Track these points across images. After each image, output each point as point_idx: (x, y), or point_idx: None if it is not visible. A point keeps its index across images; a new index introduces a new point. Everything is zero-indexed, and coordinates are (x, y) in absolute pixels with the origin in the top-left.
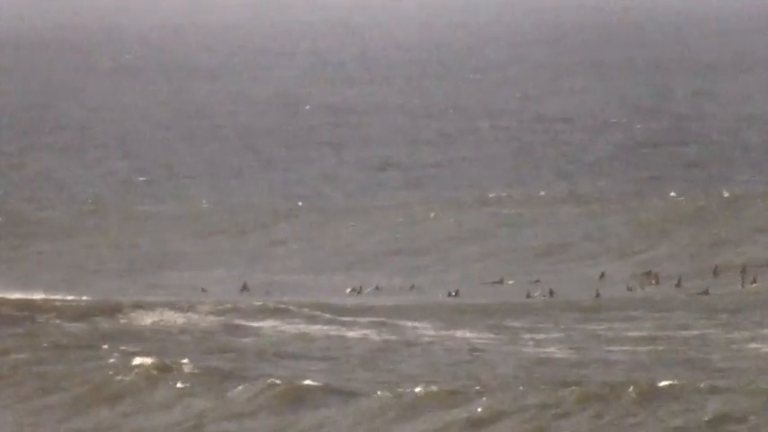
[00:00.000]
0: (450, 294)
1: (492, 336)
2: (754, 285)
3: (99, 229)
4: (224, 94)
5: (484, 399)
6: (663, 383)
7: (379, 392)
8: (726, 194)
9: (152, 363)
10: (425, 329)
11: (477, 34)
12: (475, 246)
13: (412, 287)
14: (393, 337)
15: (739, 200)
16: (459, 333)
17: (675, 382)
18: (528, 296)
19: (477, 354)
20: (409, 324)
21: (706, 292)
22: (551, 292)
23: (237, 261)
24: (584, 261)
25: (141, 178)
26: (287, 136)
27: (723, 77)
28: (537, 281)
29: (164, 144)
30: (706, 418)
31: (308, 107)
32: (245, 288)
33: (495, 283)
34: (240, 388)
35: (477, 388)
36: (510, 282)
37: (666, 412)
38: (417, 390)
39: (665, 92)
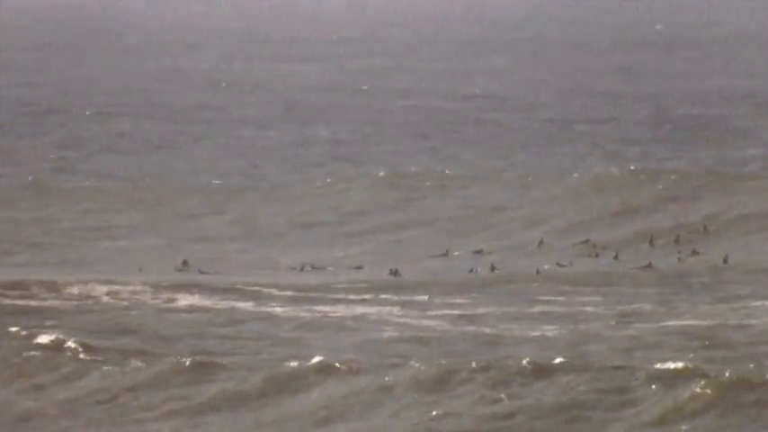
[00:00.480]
0: (391, 272)
1: (412, 312)
2: (693, 258)
3: (29, 205)
4: (154, 71)
5: (372, 375)
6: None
7: (283, 364)
8: (632, 167)
9: (55, 340)
10: (348, 308)
11: (410, 12)
12: (412, 221)
13: (359, 267)
14: (314, 316)
15: (659, 173)
16: (382, 310)
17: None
18: (471, 271)
19: (389, 331)
20: (340, 303)
21: (649, 266)
22: (493, 267)
23: (175, 238)
24: (522, 233)
25: (74, 154)
26: (211, 113)
27: (653, 54)
28: (479, 250)
29: (91, 120)
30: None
31: (223, 84)
32: (185, 264)
33: (441, 256)
34: (141, 364)
35: (369, 363)
36: (456, 253)
37: (554, 389)
38: (314, 361)
39: (594, 69)
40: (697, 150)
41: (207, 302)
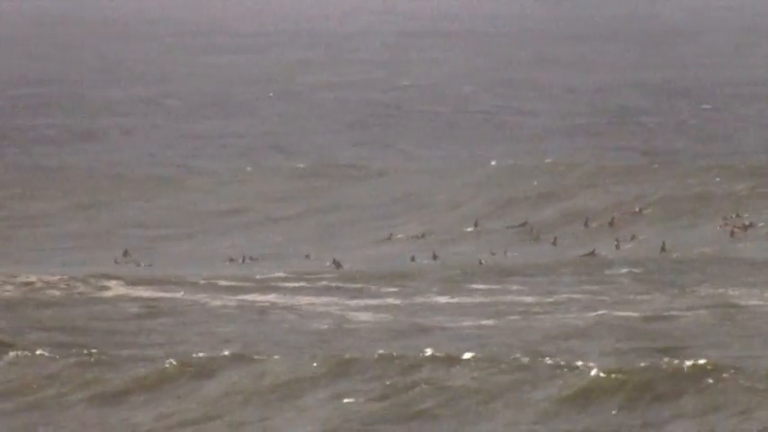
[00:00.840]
0: (334, 262)
1: (334, 300)
2: (631, 244)
3: None
4: (88, 62)
5: (284, 365)
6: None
7: (172, 360)
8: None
9: None
10: (282, 298)
11: (350, 5)
12: (343, 208)
13: (307, 256)
14: (242, 306)
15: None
16: (316, 300)
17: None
18: (412, 259)
19: (316, 322)
20: (273, 293)
21: (592, 253)
22: (434, 255)
23: (110, 228)
24: (454, 219)
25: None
26: (142, 104)
27: (590, 46)
28: (423, 236)
29: (20, 112)
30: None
31: (155, 76)
32: (126, 255)
33: (384, 240)
34: (52, 355)
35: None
36: (399, 236)
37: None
38: (201, 354)
39: (507, 60)
40: (621, 141)
41: (138, 293)
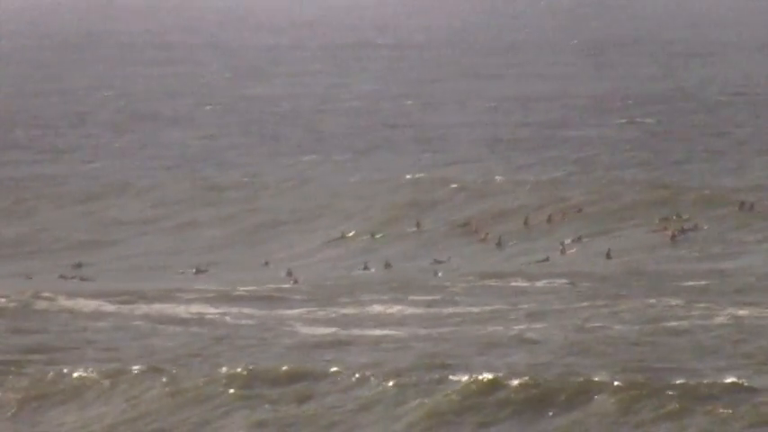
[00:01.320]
0: (289, 273)
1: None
2: (576, 249)
3: None
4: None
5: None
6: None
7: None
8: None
9: None
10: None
11: (288, 17)
12: (272, 216)
13: (266, 263)
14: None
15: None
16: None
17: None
18: (365, 268)
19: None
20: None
21: (547, 260)
22: (387, 264)
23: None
24: (390, 220)
25: None
26: (73, 119)
27: (501, 57)
28: (373, 234)
29: None
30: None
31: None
32: (77, 265)
33: (338, 239)
34: None
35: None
36: (350, 233)
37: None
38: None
39: (439, 72)
40: (549, 153)
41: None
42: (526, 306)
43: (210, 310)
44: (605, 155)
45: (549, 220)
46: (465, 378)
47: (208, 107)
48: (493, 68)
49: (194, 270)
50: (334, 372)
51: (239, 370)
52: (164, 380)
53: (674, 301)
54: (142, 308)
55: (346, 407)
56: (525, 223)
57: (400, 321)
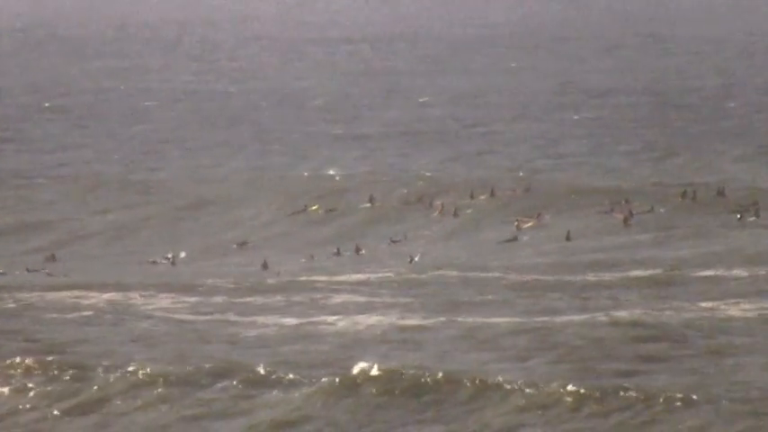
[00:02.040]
0: (264, 265)
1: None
2: (536, 231)
3: None
4: None
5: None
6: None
7: None
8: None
9: None
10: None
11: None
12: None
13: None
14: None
15: None
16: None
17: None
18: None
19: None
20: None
21: (515, 239)
22: (357, 249)
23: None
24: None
25: None
26: None
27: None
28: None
29: None
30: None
31: None
32: (50, 259)
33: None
34: None
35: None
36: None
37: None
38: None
39: (382, 67)
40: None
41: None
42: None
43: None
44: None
45: (492, 193)
46: None
47: (160, 102)
48: (441, 63)
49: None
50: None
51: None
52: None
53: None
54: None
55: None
56: (471, 197)
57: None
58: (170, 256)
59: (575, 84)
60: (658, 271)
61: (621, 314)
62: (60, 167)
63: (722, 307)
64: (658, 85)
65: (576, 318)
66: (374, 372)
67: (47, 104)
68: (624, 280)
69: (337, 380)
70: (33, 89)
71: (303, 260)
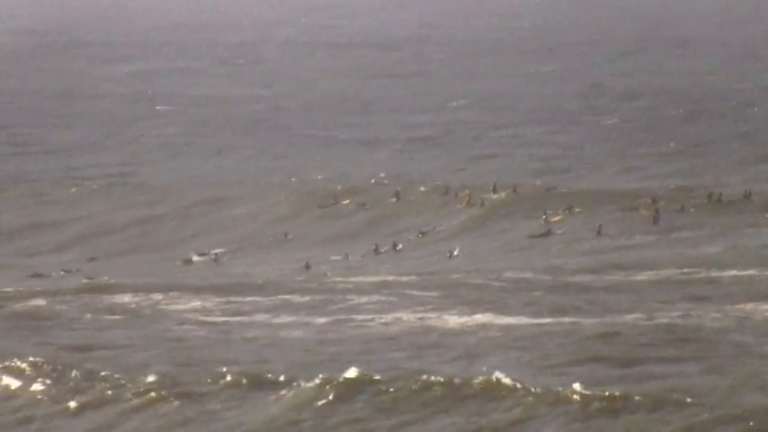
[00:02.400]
0: (307, 266)
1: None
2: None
3: None
4: None
5: None
6: None
7: None
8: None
9: None
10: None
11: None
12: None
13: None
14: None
15: None
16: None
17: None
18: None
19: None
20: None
21: (548, 233)
22: (395, 245)
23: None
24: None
25: None
26: None
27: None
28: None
29: None
30: None
31: None
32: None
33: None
34: None
35: None
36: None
37: None
38: None
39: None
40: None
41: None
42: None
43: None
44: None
45: (469, 197)
46: None
47: (159, 107)
48: (434, 68)
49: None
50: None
51: None
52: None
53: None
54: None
55: None
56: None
57: None
58: (213, 252)
59: (601, 87)
60: (687, 270)
61: (654, 314)
62: (86, 170)
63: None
64: (682, 87)
65: (614, 319)
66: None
67: (75, 109)
68: (652, 279)
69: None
70: (60, 93)
71: (339, 258)
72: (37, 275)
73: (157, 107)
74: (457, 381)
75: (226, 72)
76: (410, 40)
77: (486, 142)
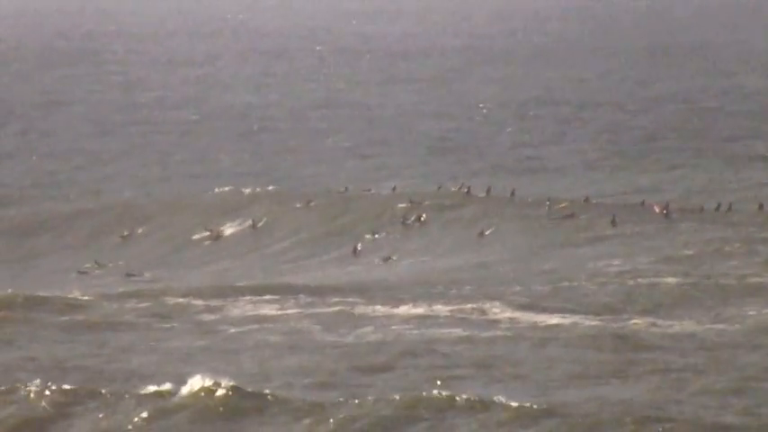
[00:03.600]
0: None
1: None
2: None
3: None
4: None
5: None
6: None
7: None
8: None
9: None
10: None
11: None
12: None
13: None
14: None
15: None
16: None
17: None
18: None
19: None
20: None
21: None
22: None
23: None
24: None
25: None
26: None
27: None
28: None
29: None
30: None
31: None
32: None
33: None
34: None
35: None
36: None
37: None
38: None
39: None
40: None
41: None
42: None
43: None
44: None
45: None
46: None
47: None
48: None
49: None
50: None
51: None
52: None
53: None
54: None
55: None
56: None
57: None
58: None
59: (626, 93)
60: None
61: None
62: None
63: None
64: (700, 95)
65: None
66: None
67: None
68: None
69: None
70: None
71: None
72: None
73: (193, 116)
74: None
75: (261, 81)
76: (450, 49)
77: (511, 150)
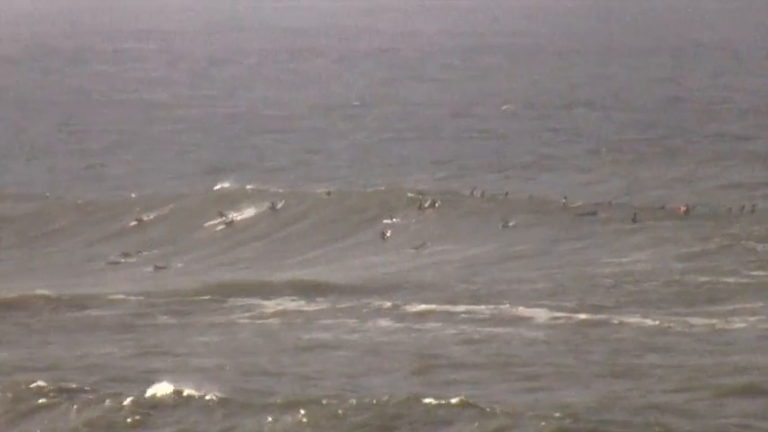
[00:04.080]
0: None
1: None
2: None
3: None
4: None
5: None
6: None
7: None
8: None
9: None
10: None
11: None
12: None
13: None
14: None
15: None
16: None
17: None
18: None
19: None
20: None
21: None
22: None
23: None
24: None
25: None
26: None
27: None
28: None
29: None
30: None
31: None
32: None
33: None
34: None
35: None
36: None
37: None
38: None
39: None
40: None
41: None
42: None
43: None
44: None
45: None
46: None
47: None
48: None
49: None
50: None
51: None
52: None
53: None
54: None
55: None
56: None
57: None
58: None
59: (648, 92)
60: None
61: None
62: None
63: None
64: (725, 94)
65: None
66: None
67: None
68: None
69: None
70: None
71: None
72: None
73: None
74: None
75: (291, 78)
76: (479, 48)
77: (529, 149)
